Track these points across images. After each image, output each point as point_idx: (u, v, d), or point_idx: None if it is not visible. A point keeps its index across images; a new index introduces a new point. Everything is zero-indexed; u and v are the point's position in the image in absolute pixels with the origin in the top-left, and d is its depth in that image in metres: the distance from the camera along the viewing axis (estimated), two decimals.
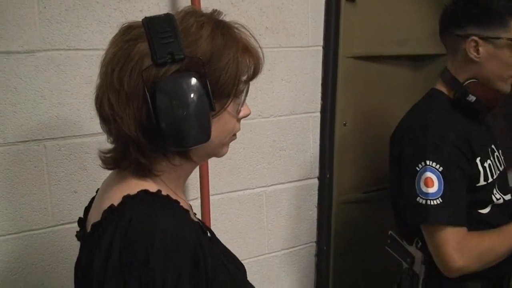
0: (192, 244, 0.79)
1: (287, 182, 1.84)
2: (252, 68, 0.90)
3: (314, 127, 1.87)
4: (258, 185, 1.77)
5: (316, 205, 1.92)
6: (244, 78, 0.89)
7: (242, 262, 1.02)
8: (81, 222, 0.97)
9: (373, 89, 1.95)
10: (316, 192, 1.91)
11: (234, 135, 0.95)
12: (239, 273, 0.96)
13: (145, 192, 0.84)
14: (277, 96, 1.76)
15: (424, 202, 1.33)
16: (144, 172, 0.87)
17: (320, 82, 1.85)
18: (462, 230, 1.33)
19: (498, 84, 1.42)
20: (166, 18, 0.84)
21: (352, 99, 1.89)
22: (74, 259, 0.92)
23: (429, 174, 1.34)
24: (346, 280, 1.97)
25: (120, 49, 0.83)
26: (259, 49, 0.91)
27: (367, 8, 1.87)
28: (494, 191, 1.44)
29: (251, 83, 0.92)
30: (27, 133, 1.34)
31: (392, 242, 1.53)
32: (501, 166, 1.50)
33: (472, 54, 1.41)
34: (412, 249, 1.47)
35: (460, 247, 1.31)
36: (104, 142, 0.90)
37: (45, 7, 1.33)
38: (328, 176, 1.88)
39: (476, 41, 1.40)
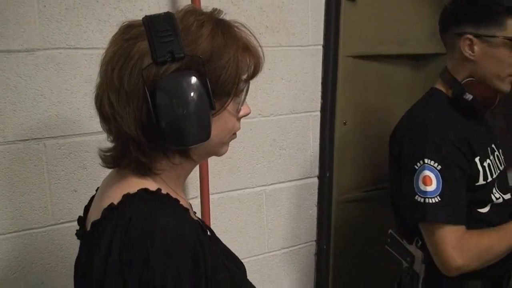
0: (192, 243, 0.79)
1: (287, 181, 1.84)
2: (252, 67, 0.91)
3: (314, 126, 1.87)
4: (258, 184, 1.77)
5: (316, 204, 1.92)
6: (244, 77, 0.89)
7: (242, 261, 1.02)
8: (81, 220, 0.97)
9: (373, 88, 1.95)
10: (316, 191, 1.91)
11: (234, 134, 0.95)
12: (239, 272, 0.96)
13: (145, 190, 0.84)
14: (277, 95, 1.76)
15: (422, 200, 1.33)
16: (144, 170, 0.87)
17: (320, 81, 1.85)
18: (461, 229, 1.33)
19: (496, 83, 1.42)
20: (166, 17, 0.84)
21: (352, 98, 1.89)
22: (74, 257, 0.92)
23: (427, 172, 1.33)
24: (346, 279, 1.97)
25: (120, 47, 0.84)
26: (259, 48, 0.91)
27: (367, 7, 1.87)
28: (494, 191, 1.44)
29: (251, 82, 0.92)
30: (27, 132, 1.34)
31: (392, 241, 1.53)
32: (501, 165, 1.50)
33: (467, 52, 1.41)
34: (412, 248, 1.46)
35: (459, 246, 1.31)
36: (104, 140, 0.90)
37: (45, 6, 1.33)
38: (328, 175, 1.88)
39: (470, 39, 1.40)
